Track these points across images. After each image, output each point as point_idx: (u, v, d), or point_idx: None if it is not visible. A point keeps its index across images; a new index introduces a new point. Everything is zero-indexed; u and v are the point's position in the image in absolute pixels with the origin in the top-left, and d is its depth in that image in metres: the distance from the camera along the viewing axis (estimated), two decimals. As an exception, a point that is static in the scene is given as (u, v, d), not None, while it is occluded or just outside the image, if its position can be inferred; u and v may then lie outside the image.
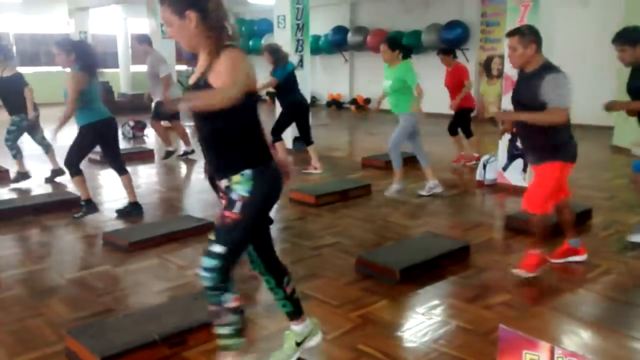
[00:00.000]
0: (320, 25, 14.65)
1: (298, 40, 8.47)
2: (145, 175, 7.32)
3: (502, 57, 8.81)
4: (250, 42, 16.89)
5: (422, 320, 3.20)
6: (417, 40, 13.03)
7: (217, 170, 2.44)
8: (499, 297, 3.48)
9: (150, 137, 10.21)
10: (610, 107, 4.29)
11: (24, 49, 16.51)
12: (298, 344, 2.71)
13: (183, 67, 16.43)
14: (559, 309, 3.36)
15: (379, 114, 8.35)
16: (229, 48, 2.29)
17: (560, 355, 1.93)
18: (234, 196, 2.34)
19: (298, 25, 8.40)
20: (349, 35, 14.41)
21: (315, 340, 2.78)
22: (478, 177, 6.43)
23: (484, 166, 6.39)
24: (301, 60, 8.54)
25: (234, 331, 2.42)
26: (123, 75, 17.04)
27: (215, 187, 2.52)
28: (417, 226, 5.01)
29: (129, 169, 5.39)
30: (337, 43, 14.44)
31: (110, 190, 6.39)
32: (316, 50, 14.41)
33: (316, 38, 14.48)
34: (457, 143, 7.64)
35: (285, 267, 2.67)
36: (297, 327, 2.72)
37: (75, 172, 5.09)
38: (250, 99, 2.32)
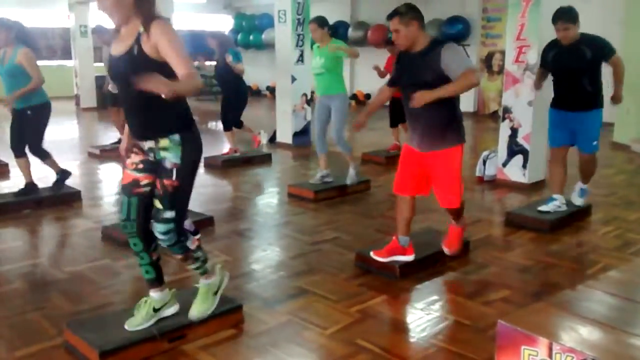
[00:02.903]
0: (321, 20, 14.62)
1: (299, 35, 8.45)
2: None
3: (503, 52, 8.78)
4: (251, 37, 16.87)
5: (421, 316, 3.20)
6: (418, 35, 12.99)
7: (144, 133, 2.63)
8: (498, 293, 3.49)
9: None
10: None
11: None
12: (155, 310, 2.83)
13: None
14: (558, 305, 3.34)
15: (381, 109, 8.28)
16: (158, 19, 2.48)
17: (559, 351, 1.93)
18: (167, 165, 2.59)
19: (299, 20, 8.38)
20: (350, 30, 14.38)
21: (171, 310, 2.90)
22: (478, 172, 6.42)
23: (484, 162, 6.38)
24: (301, 55, 8.52)
25: (203, 261, 2.91)
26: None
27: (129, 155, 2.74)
28: (417, 222, 4.97)
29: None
30: (338, 38, 14.36)
31: (109, 184, 6.38)
32: (317, 45, 14.38)
33: (317, 33, 14.45)
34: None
35: (155, 236, 2.74)
36: (156, 295, 2.85)
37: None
38: None
